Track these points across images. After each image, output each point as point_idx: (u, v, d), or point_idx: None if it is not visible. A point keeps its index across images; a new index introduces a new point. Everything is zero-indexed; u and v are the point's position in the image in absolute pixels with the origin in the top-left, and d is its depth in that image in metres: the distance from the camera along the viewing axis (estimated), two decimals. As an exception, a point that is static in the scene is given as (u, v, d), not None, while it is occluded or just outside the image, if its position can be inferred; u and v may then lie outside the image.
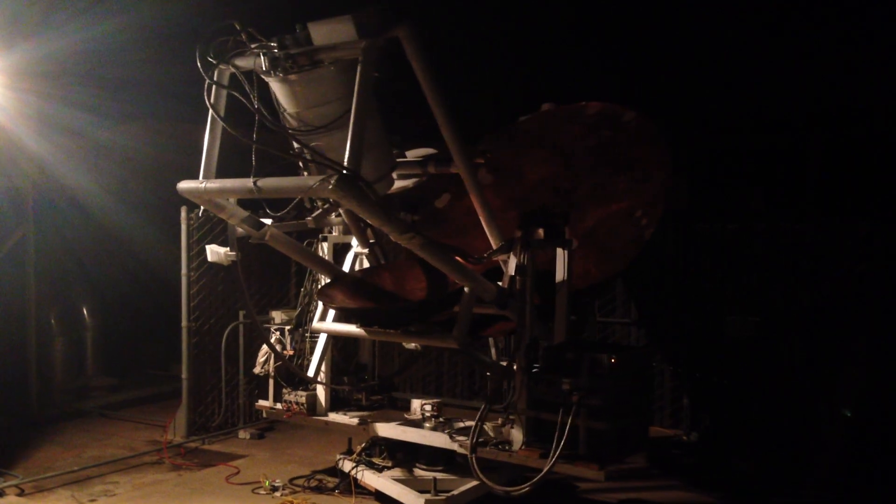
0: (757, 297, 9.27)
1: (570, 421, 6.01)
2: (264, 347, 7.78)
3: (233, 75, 5.83)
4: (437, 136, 6.23)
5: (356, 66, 5.49)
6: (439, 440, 6.94)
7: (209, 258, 6.90)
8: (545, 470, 6.03)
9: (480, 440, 6.48)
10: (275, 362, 7.71)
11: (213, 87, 5.83)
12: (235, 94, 5.58)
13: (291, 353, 7.73)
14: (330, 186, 5.20)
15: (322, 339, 7.59)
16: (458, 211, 7.18)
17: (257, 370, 7.87)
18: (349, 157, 5.29)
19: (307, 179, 5.49)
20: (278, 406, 7.79)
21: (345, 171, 5.25)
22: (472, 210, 6.67)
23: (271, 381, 7.84)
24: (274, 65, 5.62)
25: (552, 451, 6.03)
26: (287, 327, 7.83)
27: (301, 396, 7.59)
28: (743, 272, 9.37)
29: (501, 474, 6.52)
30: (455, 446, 6.79)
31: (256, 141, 5.64)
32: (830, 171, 11.39)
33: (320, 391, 7.68)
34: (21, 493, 7.51)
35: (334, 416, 7.62)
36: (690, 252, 9.62)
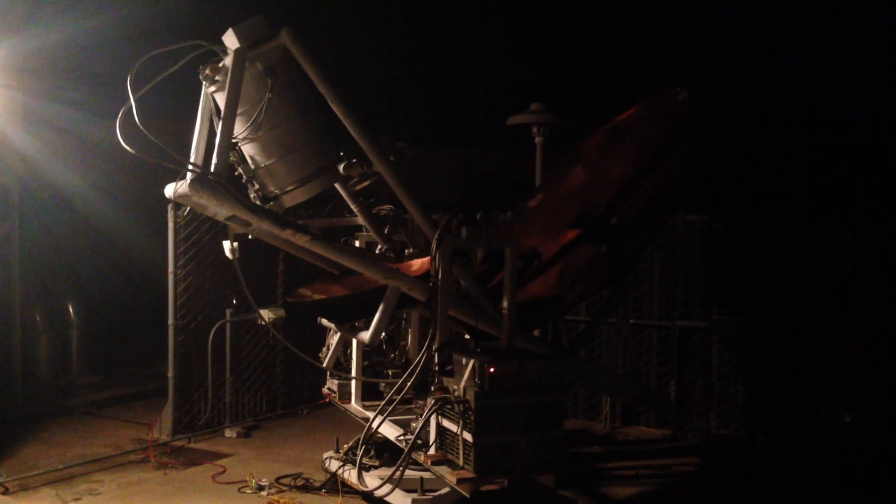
0: (743, 298, 9.31)
1: (421, 423, 6.31)
2: (328, 338, 8.03)
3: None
4: (431, 137, 6.36)
5: (265, 74, 6.03)
6: (392, 434, 7.13)
7: (226, 253, 7.06)
8: (395, 468, 6.31)
9: (419, 441, 6.64)
10: (330, 354, 7.91)
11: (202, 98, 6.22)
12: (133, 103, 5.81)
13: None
14: (186, 184, 5.70)
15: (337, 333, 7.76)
16: (545, 209, 7.47)
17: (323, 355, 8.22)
18: (216, 159, 5.76)
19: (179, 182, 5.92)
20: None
21: (210, 174, 5.74)
22: (556, 208, 6.76)
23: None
24: (204, 78, 6.10)
25: (405, 452, 6.32)
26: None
27: (335, 384, 8.03)
28: (729, 273, 9.41)
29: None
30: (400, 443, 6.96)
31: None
32: (816, 175, 11.46)
33: (354, 382, 7.92)
34: (5, 492, 7.46)
35: (354, 406, 7.79)
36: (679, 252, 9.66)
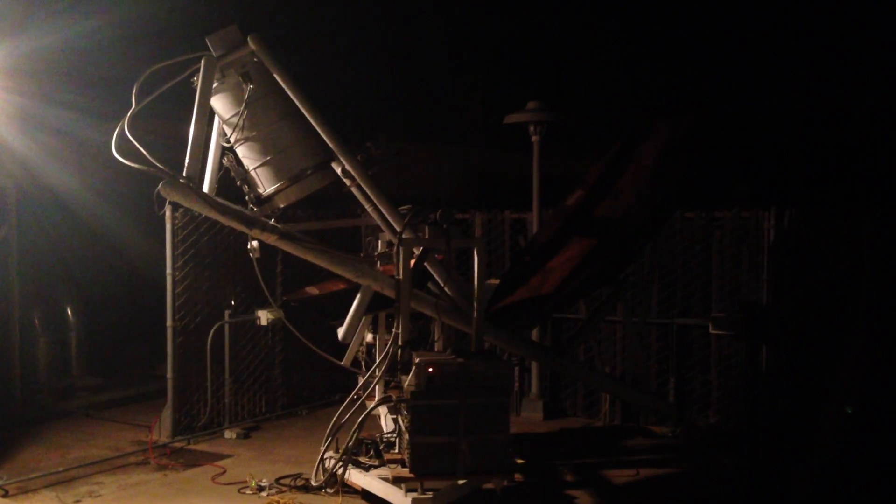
0: (742, 292, 9.31)
1: (363, 416, 6.58)
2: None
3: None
4: (427, 136, 6.64)
5: (242, 80, 6.39)
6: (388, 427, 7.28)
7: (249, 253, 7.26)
8: (335, 463, 6.76)
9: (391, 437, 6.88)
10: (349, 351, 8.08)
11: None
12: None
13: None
14: (160, 189, 6.13)
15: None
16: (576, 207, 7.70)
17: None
18: (187, 161, 6.16)
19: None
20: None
21: (179, 177, 6.14)
22: (583, 207, 6.92)
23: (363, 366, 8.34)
24: (195, 86, 6.38)
25: (346, 444, 6.70)
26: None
27: (360, 380, 8.15)
28: (728, 267, 9.41)
29: None
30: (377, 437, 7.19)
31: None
32: (815, 167, 11.45)
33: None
34: (5, 495, 7.45)
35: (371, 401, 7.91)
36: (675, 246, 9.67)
